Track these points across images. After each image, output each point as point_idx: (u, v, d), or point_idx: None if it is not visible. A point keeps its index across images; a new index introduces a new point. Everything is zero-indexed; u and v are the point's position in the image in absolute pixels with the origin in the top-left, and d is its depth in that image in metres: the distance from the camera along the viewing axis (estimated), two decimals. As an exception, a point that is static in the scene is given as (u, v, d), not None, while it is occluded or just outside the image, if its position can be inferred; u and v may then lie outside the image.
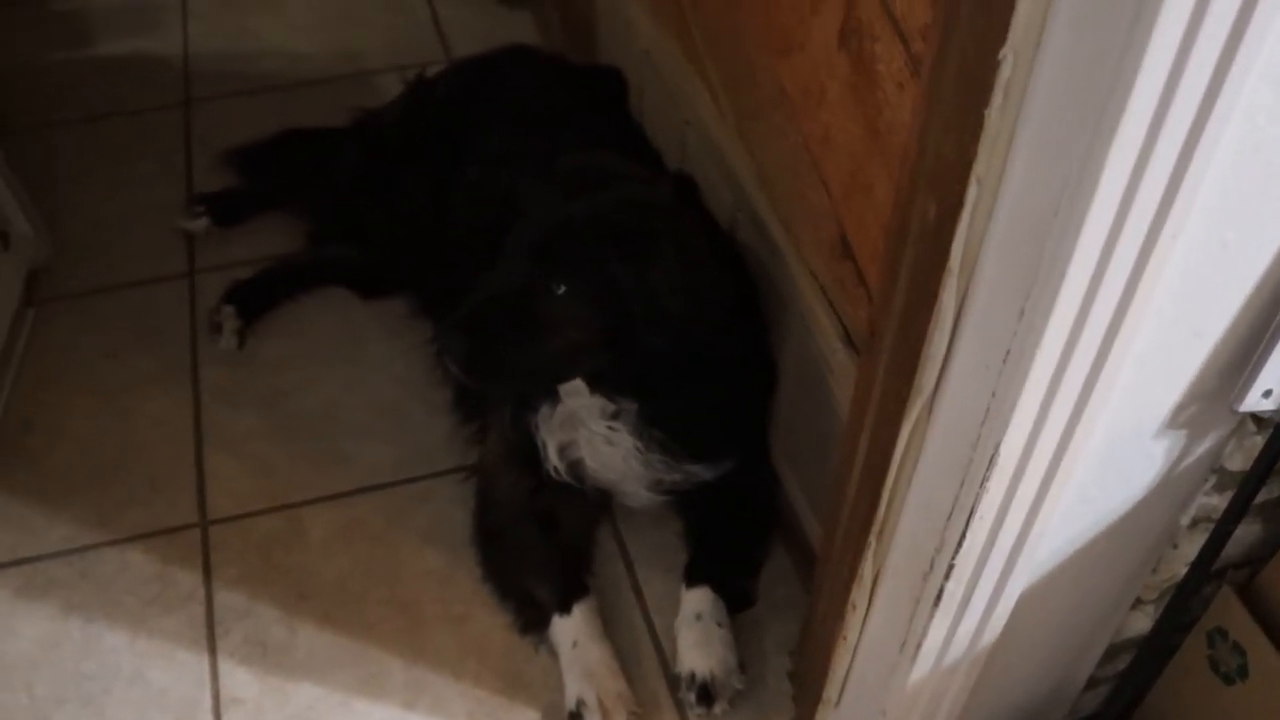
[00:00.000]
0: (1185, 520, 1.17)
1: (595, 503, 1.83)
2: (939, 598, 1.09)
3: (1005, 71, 0.78)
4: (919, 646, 1.16)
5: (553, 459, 1.71)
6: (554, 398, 1.66)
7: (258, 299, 2.19)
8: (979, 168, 0.84)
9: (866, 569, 1.18)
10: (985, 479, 0.96)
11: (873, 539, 1.15)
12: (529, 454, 1.73)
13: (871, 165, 1.27)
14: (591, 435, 1.68)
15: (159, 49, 2.91)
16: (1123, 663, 1.42)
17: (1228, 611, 1.25)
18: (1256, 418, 1.06)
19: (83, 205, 2.44)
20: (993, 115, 0.80)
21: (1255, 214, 0.85)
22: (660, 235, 1.49)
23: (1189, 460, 1.08)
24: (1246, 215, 0.85)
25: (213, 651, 1.73)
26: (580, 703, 1.60)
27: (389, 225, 2.12)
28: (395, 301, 2.20)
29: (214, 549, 1.85)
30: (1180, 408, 1.01)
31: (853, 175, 1.32)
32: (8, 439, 2.01)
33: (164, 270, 2.31)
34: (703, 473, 1.72)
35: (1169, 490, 1.11)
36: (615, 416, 1.65)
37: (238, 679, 1.69)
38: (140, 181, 2.51)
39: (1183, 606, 1.20)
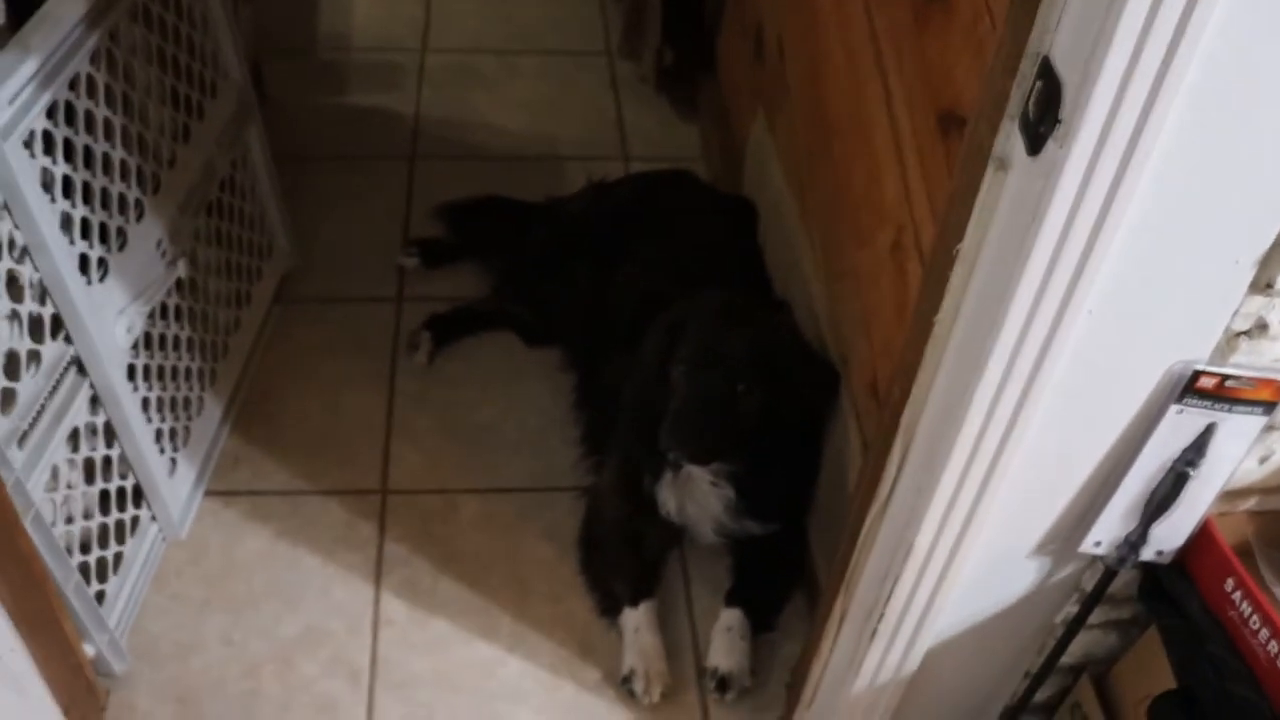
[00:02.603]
0: (1058, 619, 1.69)
1: (672, 533, 2.29)
2: (874, 634, 1.65)
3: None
4: (860, 666, 1.72)
5: (667, 506, 2.21)
6: (679, 464, 2.16)
7: (448, 330, 2.72)
8: (921, 376, 1.42)
9: (838, 608, 1.75)
10: (905, 559, 1.52)
11: (843, 589, 1.72)
12: (631, 490, 2.23)
13: (896, 338, 1.84)
14: (694, 490, 2.20)
15: (396, 106, 3.46)
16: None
17: (1083, 692, 1.78)
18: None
19: (322, 230, 2.98)
20: (930, 351, 1.38)
21: (1091, 419, 1.35)
22: (800, 353, 2.12)
23: (1055, 578, 1.60)
24: (1081, 421, 1.35)
25: (378, 584, 2.25)
26: (632, 671, 2.11)
27: (557, 297, 2.64)
28: (551, 353, 2.70)
29: (388, 511, 2.39)
30: (1042, 543, 1.52)
31: (885, 342, 1.89)
32: (251, 401, 2.57)
33: (379, 293, 2.85)
34: (757, 529, 2.22)
35: (1041, 598, 1.62)
36: (717, 476, 2.17)
37: (393, 607, 2.22)
38: (368, 218, 3.04)
39: (1038, 686, 1.74)
